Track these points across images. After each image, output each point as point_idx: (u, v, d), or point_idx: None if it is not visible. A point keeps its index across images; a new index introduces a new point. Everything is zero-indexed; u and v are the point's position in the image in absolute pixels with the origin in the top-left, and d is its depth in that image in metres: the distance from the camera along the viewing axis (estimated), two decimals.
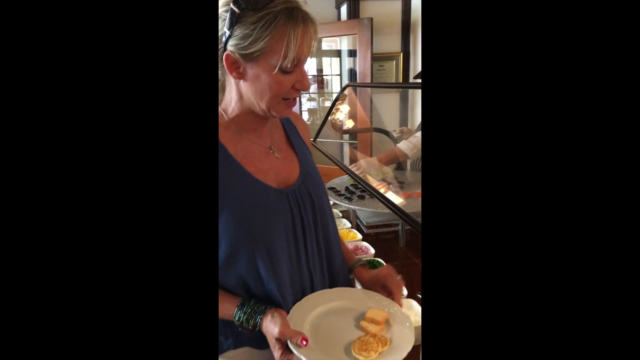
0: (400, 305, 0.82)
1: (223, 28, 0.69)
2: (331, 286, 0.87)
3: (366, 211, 1.81)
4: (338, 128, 2.95)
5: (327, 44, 3.80)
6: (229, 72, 0.72)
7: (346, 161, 3.37)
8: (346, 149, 3.53)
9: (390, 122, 3.33)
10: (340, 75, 3.80)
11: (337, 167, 1.60)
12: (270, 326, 0.71)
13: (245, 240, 0.74)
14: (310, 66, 3.76)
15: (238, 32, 0.67)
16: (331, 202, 1.94)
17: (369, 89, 3.25)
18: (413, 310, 1.12)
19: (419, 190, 1.76)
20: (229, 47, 0.69)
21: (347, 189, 1.95)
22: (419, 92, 2.99)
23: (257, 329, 0.73)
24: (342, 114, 2.91)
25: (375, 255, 1.45)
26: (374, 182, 1.70)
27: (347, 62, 3.66)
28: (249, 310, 0.74)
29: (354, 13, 3.17)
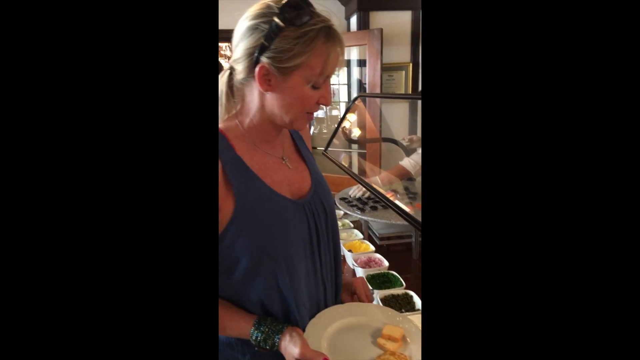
0: None
1: (259, 39, 0.68)
2: (337, 294, 0.88)
3: (379, 222, 1.78)
4: (346, 136, 2.96)
5: None
6: (260, 83, 0.71)
7: (354, 171, 3.35)
8: (355, 159, 3.52)
9: (399, 132, 3.32)
10: (348, 84, 3.81)
11: (346, 176, 1.58)
12: (290, 347, 0.70)
13: (266, 255, 0.73)
14: None
15: (277, 45, 0.67)
16: (342, 213, 1.93)
17: (378, 100, 3.24)
18: None
19: None
20: (264, 59, 0.68)
21: (359, 199, 1.93)
22: None
23: (275, 348, 0.72)
24: (348, 122, 2.92)
25: (389, 267, 1.43)
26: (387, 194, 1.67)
27: (355, 72, 3.67)
28: (267, 329, 0.73)
29: (364, 24, 3.19)
